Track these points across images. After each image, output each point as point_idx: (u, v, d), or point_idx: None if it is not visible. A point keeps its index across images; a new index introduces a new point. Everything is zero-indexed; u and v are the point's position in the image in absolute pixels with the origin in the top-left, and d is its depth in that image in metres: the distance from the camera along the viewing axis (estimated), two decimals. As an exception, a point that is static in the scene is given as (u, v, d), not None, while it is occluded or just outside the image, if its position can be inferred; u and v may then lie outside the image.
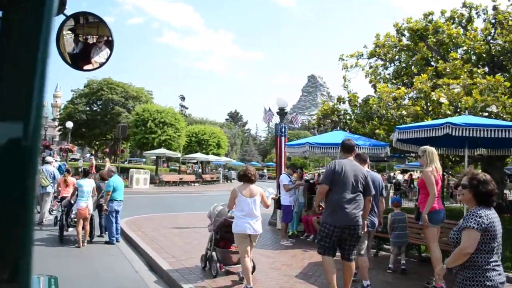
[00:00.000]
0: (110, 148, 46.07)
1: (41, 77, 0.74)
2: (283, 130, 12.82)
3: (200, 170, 48.93)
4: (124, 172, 31.73)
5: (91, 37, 2.08)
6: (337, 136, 10.90)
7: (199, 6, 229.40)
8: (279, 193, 10.66)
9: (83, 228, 9.43)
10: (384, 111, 11.33)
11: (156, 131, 33.38)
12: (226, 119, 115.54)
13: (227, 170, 50.66)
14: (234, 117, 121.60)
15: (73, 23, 2.00)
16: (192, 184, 34.57)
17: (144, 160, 75.47)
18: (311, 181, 14.41)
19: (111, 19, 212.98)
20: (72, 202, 9.95)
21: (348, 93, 17.31)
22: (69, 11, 1.90)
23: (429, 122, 7.95)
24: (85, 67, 2.09)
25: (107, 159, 21.52)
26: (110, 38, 2.09)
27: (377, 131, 12.31)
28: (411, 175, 44.80)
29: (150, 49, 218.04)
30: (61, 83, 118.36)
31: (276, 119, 13.26)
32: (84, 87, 40.07)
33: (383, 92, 11.06)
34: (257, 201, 6.12)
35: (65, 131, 41.07)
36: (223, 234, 7.05)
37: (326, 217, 5.48)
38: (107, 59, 2.12)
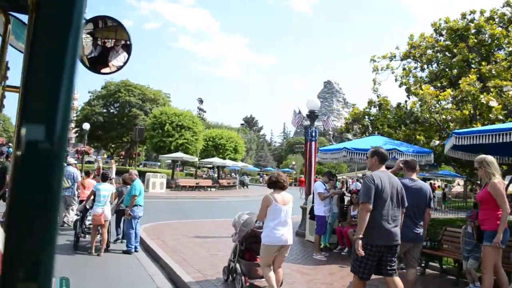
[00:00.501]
0: (126, 151, 45.61)
1: (69, 81, 0.74)
2: (313, 134, 11.97)
3: (215, 175, 48.30)
4: (140, 176, 31.15)
5: (109, 41, 2.10)
6: (375, 141, 10.00)
7: (215, 11, 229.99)
8: (312, 202, 9.77)
9: (101, 235, 8.75)
10: (427, 115, 10.37)
11: (174, 135, 32.73)
12: (241, 124, 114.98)
13: (242, 175, 49.81)
14: (250, 122, 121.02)
15: (92, 27, 2.04)
16: (209, 189, 33.85)
17: (159, 164, 75.20)
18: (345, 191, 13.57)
19: (130, 23, 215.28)
20: (88, 207, 9.20)
21: (378, 96, 16.42)
22: (87, 15, 1.91)
23: (498, 126, 6.98)
24: (103, 70, 2.11)
25: (113, 161, 20.58)
26: (128, 42, 2.12)
27: (417, 136, 11.38)
28: (431, 183, 43.40)
29: (166, 53, 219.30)
30: (79, 85, 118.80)
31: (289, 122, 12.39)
32: (102, 88, 39.62)
33: (427, 94, 10.11)
34: (290, 209, 5.76)
35: (82, 133, 40.76)
36: (248, 245, 6.58)
37: (365, 236, 4.86)
38: (125, 63, 2.14)
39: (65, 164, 12.74)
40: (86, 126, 27.12)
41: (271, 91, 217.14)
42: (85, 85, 45.73)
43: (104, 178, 9.47)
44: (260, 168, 74.62)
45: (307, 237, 11.26)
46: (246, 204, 25.34)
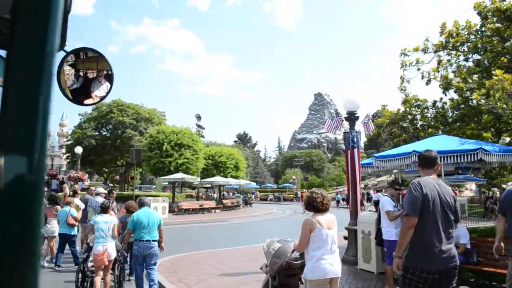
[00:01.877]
0: (121, 175, 43.20)
1: (44, 113, 0.76)
2: (355, 139, 9.98)
3: (215, 195, 46.03)
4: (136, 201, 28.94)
5: (91, 72, 2.17)
6: (447, 142, 8.03)
7: (199, 31, 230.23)
8: (378, 224, 7.69)
9: (103, 279, 7.20)
10: (504, 105, 8.40)
11: (173, 154, 30.57)
12: (235, 141, 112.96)
13: (245, 194, 47.58)
14: (243, 139, 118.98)
15: (74, 59, 2.10)
16: (213, 210, 31.62)
17: (154, 186, 72.58)
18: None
19: (116, 48, 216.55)
20: (92, 245, 7.48)
21: (406, 95, 14.52)
22: (73, 40, 2.00)
23: None
24: (86, 102, 2.19)
25: (65, 185, 17.84)
26: (110, 72, 2.19)
27: (483, 134, 9.44)
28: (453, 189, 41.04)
29: (152, 76, 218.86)
30: (68, 110, 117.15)
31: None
32: (92, 110, 37.31)
33: (505, 81, 8.18)
34: (335, 234, 4.84)
35: (73, 158, 38.39)
36: (282, 280, 5.44)
37: (413, 260, 4.02)
38: (108, 93, 2.19)
39: (92, 196, 11.66)
40: (79, 150, 24.87)
41: (260, 107, 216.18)
42: (76, 108, 43.65)
43: (104, 209, 7.68)
44: (260, 185, 72.40)
45: (361, 265, 9.18)
46: (258, 225, 23.41)
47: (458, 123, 12.36)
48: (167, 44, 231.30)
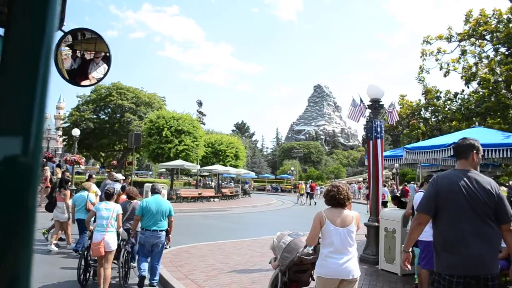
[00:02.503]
0: (118, 160, 42.21)
1: (42, 94, 0.75)
2: (378, 129, 9.21)
3: (212, 184, 45.32)
4: (136, 186, 28.16)
5: (88, 53, 2.12)
6: (489, 134, 7.29)
7: (199, 19, 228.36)
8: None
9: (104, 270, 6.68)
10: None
11: (173, 141, 29.71)
12: (233, 130, 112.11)
13: (244, 183, 46.82)
14: (241, 128, 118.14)
15: (71, 39, 2.07)
16: (212, 199, 30.87)
17: (150, 173, 71.78)
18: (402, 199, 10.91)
19: (115, 33, 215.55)
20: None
21: (425, 86, 13.79)
22: (73, 24, 2.05)
23: None
24: (83, 83, 2.16)
25: (46, 168, 17.55)
26: (108, 54, 2.15)
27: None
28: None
29: (152, 63, 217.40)
30: (65, 92, 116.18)
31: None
32: (91, 92, 36.19)
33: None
34: (352, 232, 4.38)
35: (70, 141, 37.43)
36: (293, 276, 5.21)
37: (437, 263, 3.61)
38: (105, 74, 2.17)
39: (112, 181, 11.83)
40: (76, 132, 23.93)
41: (259, 98, 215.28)
42: (73, 90, 42.63)
43: (108, 195, 7.27)
44: (257, 175, 71.61)
45: (382, 265, 8.47)
46: (260, 216, 22.69)
47: (480, 117, 11.65)
48: (167, 31, 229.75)
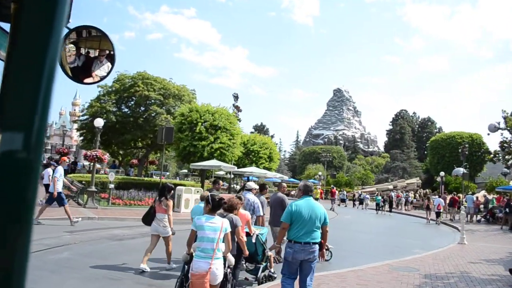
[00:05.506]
0: (141, 159, 38.38)
1: (46, 91, 0.75)
2: None
3: (238, 187, 41.47)
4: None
5: (93, 51, 2.14)
6: None
7: (216, 22, 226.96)
8: None
9: None
10: None
11: (207, 137, 25.77)
12: (251, 132, 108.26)
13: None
14: (261, 130, 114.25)
15: (76, 37, 2.09)
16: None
17: (167, 173, 67.88)
18: None
19: (132, 34, 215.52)
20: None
21: None
22: (91, 24, 2.07)
23: None
24: (86, 80, 2.14)
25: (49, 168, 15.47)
26: (112, 52, 2.16)
27: None
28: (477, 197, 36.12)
29: (168, 64, 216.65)
30: (81, 89, 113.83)
31: None
32: (114, 82, 32.31)
33: None
34: None
35: (87, 136, 33.67)
36: None
37: None
38: (109, 73, 2.18)
39: (246, 190, 10.27)
40: (99, 122, 20.03)
41: (275, 102, 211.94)
42: (90, 87, 38.77)
43: (214, 206, 5.62)
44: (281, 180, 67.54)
45: None
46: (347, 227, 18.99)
47: None
48: (184, 33, 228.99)
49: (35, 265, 8.10)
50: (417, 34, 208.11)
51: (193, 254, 5.60)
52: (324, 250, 6.20)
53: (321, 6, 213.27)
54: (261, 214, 9.45)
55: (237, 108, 39.60)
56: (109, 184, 20.56)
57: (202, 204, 7.90)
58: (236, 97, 40.31)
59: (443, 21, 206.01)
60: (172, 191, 9.48)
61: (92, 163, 20.73)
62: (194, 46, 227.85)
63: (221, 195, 6.03)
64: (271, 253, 8.04)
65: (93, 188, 18.85)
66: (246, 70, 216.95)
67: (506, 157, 30.55)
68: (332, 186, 48.05)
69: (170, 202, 8.87)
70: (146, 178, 31.09)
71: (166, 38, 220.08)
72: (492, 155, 31.84)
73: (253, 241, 7.43)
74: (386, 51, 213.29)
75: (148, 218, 8.81)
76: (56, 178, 13.76)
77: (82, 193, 19.98)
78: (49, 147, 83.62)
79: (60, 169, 14.44)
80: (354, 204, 43.91)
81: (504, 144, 28.80)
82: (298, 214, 5.78)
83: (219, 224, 5.36)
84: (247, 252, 6.51)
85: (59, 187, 13.77)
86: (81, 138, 36.52)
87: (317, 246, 5.85)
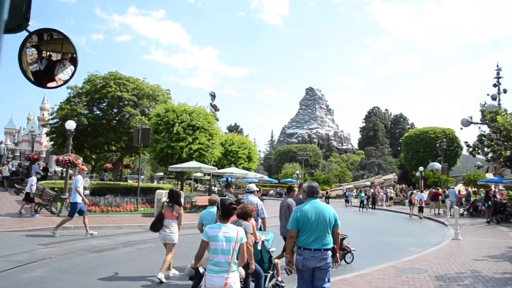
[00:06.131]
0: (115, 162, 36.81)
1: None
2: None
3: (215, 189, 40.48)
4: (148, 193, 23.07)
5: (55, 54, 2.07)
6: None
7: (185, 23, 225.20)
8: None
9: None
10: None
11: (185, 138, 24.73)
12: (225, 133, 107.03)
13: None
14: (234, 131, 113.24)
15: (37, 40, 2.01)
16: (229, 208, 26.01)
17: (142, 177, 66.00)
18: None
19: (100, 37, 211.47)
20: (202, 271, 5.04)
21: None
22: (58, 28, 2.02)
23: None
24: (49, 85, 2.11)
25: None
26: (74, 55, 2.12)
27: None
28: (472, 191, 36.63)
29: (139, 66, 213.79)
30: (49, 93, 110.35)
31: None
32: (84, 83, 30.60)
33: None
34: None
35: (58, 140, 32.04)
36: None
37: None
38: (71, 76, 2.14)
39: (247, 192, 9.96)
40: (71, 125, 18.71)
41: (247, 102, 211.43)
42: (59, 90, 36.69)
43: (225, 212, 4.88)
44: (258, 180, 66.74)
45: None
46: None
47: None
48: (153, 34, 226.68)
49: (4, 287, 7.08)
50: (386, 34, 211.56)
51: (198, 268, 5.08)
52: (337, 255, 5.70)
53: (290, 6, 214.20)
54: (265, 216, 8.96)
55: (215, 108, 38.53)
56: (84, 190, 19.29)
57: (212, 209, 7.43)
58: (213, 96, 39.26)
59: (411, 21, 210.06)
60: (181, 195, 9.02)
61: (66, 168, 19.37)
62: (163, 47, 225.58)
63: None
64: (277, 260, 7.25)
65: (67, 195, 17.61)
66: (218, 70, 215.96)
67: (485, 149, 30.66)
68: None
69: (182, 210, 8.47)
70: (122, 183, 29.76)
71: (134, 40, 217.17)
72: (471, 149, 31.89)
73: (259, 248, 6.62)
74: (357, 51, 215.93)
75: (158, 225, 8.25)
76: (79, 188, 13.46)
77: (55, 201, 18.66)
78: (18, 154, 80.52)
79: (80, 179, 14.10)
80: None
81: (483, 138, 28.88)
82: (305, 220, 5.24)
83: (233, 233, 4.64)
84: (253, 267, 5.69)
85: (78, 197, 13.44)
86: (51, 143, 34.75)
87: (329, 253, 5.31)
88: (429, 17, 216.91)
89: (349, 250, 10.43)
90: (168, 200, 8.43)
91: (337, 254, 5.67)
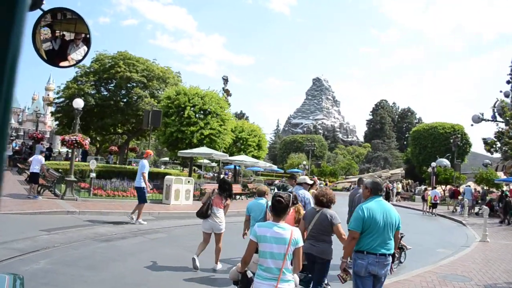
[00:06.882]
0: (121, 146, 35.93)
1: (11, 74, 0.72)
2: None
3: (223, 177, 39.58)
4: (155, 178, 22.17)
5: (68, 34, 2.06)
6: None
7: (192, 9, 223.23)
8: None
9: None
10: None
11: (197, 123, 23.76)
12: (234, 119, 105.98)
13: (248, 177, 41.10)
14: (241, 118, 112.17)
15: (50, 19, 1.98)
16: (238, 197, 25.31)
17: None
18: None
19: (107, 20, 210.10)
20: (249, 275, 4.33)
21: None
22: (49, 5, 1.91)
23: None
24: (61, 64, 2.08)
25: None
26: (88, 36, 2.10)
27: None
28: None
29: (144, 51, 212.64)
30: (55, 73, 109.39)
31: None
32: (92, 62, 29.55)
33: None
34: None
35: (63, 120, 31.14)
36: None
37: None
38: (84, 56, 2.12)
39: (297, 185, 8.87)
40: (79, 103, 17.71)
41: (253, 90, 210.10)
42: (65, 70, 35.69)
43: (278, 210, 4.00)
44: (263, 169, 65.90)
45: None
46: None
47: None
48: (159, 19, 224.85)
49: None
50: (393, 25, 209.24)
51: (246, 273, 4.38)
52: (392, 264, 5.19)
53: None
54: None
55: (227, 92, 37.43)
56: (91, 172, 18.45)
57: (261, 200, 7.17)
58: (226, 80, 38.07)
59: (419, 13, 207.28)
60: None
61: (72, 149, 18.42)
62: (169, 32, 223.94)
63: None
64: None
65: (72, 177, 16.73)
66: (223, 58, 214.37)
67: (504, 148, 29.69)
68: (312, 176, 46.68)
69: (229, 202, 8.30)
70: (129, 166, 28.85)
71: (141, 25, 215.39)
72: (489, 146, 30.87)
73: None
74: (363, 42, 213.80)
75: (206, 213, 8.00)
76: (144, 173, 13.12)
77: (59, 183, 17.77)
78: (22, 133, 79.82)
79: (146, 164, 13.50)
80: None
81: (501, 135, 27.94)
82: (372, 220, 4.68)
83: (287, 234, 3.83)
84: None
85: (144, 183, 13.17)
86: (56, 123, 33.81)
87: (391, 258, 4.92)
88: (437, 10, 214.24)
89: (406, 248, 9.68)
90: (220, 189, 8.22)
91: (394, 261, 5.12)
